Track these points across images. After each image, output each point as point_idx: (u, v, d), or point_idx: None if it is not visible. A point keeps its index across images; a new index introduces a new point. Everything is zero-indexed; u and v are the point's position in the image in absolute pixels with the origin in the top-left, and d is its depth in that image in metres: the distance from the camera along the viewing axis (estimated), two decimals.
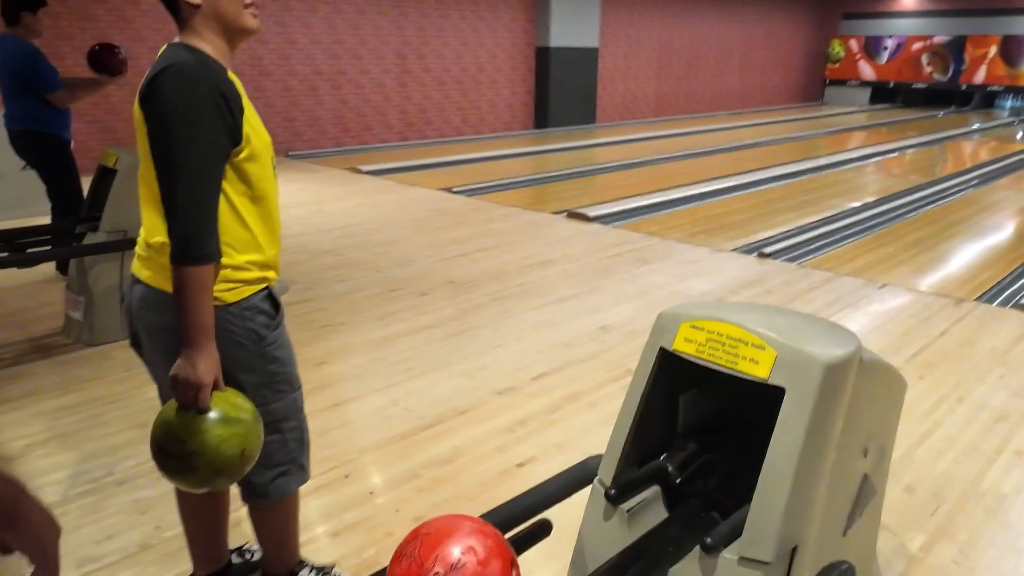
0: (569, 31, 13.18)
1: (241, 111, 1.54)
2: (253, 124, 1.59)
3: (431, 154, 10.39)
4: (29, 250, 3.74)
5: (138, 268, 1.66)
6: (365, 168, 8.89)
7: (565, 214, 6.72)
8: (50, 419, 3.00)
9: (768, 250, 5.55)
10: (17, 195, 5.96)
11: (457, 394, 3.25)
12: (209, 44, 1.56)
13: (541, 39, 13.13)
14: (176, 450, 1.45)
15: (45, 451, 2.77)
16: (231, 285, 1.59)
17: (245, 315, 1.62)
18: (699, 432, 1.68)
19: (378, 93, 11.46)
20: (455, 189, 7.76)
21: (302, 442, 1.81)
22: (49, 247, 3.91)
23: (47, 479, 2.59)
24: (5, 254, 3.66)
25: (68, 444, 2.81)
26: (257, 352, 1.64)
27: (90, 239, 3.74)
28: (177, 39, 1.57)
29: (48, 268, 4.59)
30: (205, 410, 1.46)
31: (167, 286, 1.53)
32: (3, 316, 4.11)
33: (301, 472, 1.83)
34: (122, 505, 2.45)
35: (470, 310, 4.30)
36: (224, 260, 1.55)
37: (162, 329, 1.61)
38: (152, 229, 1.59)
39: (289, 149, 10.53)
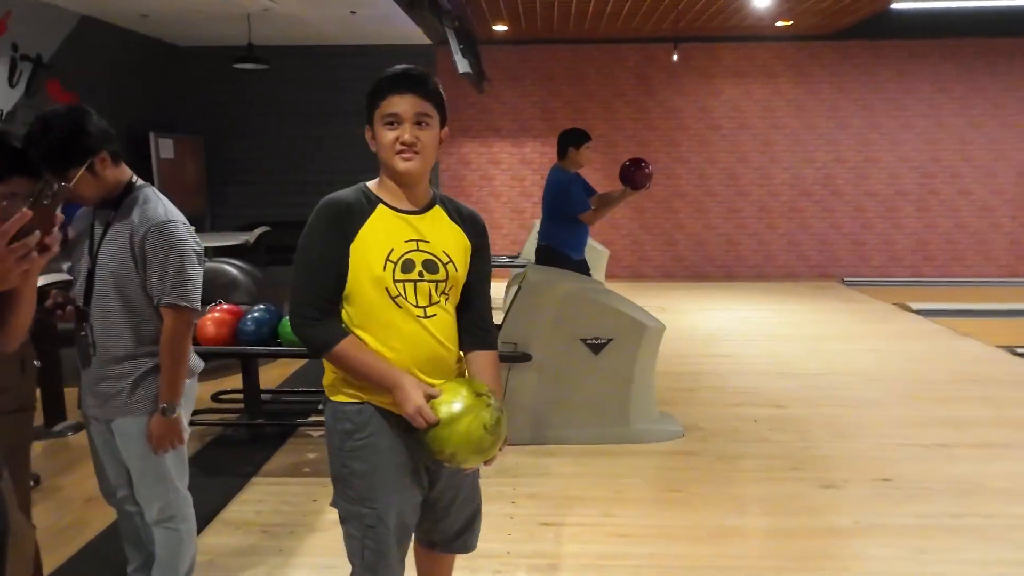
0: None
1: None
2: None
3: None
4: None
5: None
6: (916, 306, 7.33)
7: None
8: None
9: None
10: None
11: None
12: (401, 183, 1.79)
13: None
14: (443, 459, 1.71)
15: None
16: (340, 387, 1.81)
17: (336, 415, 1.81)
18: None
19: (980, 218, 9.44)
20: (1019, 350, 5.69)
21: (358, 555, 1.82)
22: None
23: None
24: None
25: None
26: (336, 449, 1.81)
27: None
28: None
29: None
30: (434, 422, 1.67)
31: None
32: None
33: None
34: None
35: (872, 528, 3.01)
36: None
37: None
38: None
39: (847, 275, 9.51)
